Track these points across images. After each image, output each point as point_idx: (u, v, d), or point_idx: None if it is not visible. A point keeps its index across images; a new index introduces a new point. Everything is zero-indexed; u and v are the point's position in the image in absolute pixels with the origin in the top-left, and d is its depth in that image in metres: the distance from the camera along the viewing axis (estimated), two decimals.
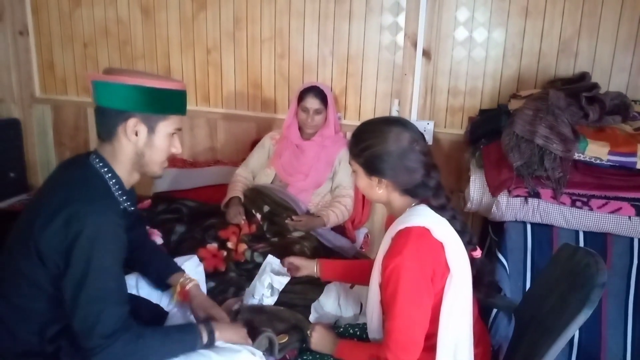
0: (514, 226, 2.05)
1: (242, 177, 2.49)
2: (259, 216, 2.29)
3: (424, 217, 1.34)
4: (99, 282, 1.23)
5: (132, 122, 1.32)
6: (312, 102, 2.39)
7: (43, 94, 3.23)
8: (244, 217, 2.27)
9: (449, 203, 1.39)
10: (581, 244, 2.00)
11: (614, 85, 2.41)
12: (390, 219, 1.48)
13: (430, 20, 2.54)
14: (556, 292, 1.37)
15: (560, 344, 1.22)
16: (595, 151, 1.95)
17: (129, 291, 1.51)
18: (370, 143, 1.36)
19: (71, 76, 3.15)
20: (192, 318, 1.62)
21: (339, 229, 2.41)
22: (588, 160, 1.97)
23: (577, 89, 2.10)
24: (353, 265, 1.81)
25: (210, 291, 1.88)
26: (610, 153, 1.94)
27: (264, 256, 2.02)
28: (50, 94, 3.22)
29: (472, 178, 2.18)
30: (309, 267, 1.76)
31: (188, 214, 2.40)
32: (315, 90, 2.41)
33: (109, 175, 1.36)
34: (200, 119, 2.98)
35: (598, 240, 1.98)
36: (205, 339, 1.39)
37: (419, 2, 2.51)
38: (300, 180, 2.41)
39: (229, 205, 2.34)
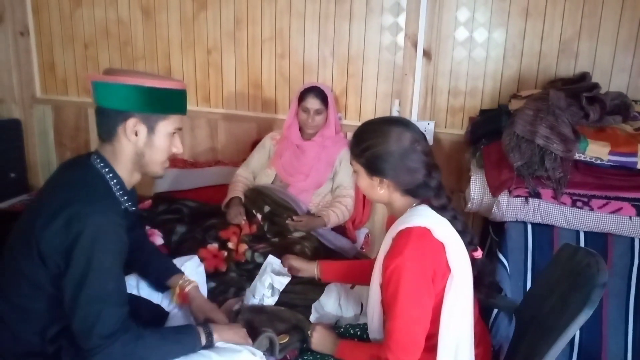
0: (514, 226, 2.05)
1: (243, 178, 2.50)
2: (259, 216, 2.29)
3: (425, 217, 1.34)
4: (99, 283, 1.23)
5: (131, 122, 1.32)
6: (313, 103, 2.39)
7: (44, 94, 3.24)
8: (245, 218, 2.27)
9: (450, 203, 1.39)
10: (582, 244, 1.99)
11: (615, 86, 2.41)
12: (391, 219, 1.48)
13: (430, 21, 2.54)
14: (557, 293, 1.37)
15: (561, 344, 1.22)
16: (596, 151, 1.95)
17: (129, 291, 1.52)
18: (372, 143, 1.36)
19: (72, 77, 3.16)
20: (192, 319, 1.62)
21: (340, 229, 2.41)
22: (589, 160, 1.97)
23: (577, 89, 2.10)
24: (353, 266, 1.81)
25: (210, 291, 1.88)
26: (610, 153, 1.94)
27: (265, 256, 2.01)
28: (50, 95, 3.23)
29: (472, 178, 2.18)
30: (310, 270, 1.77)
31: (189, 214, 2.40)
32: (316, 91, 2.41)
33: (110, 175, 1.36)
34: (201, 120, 2.98)
35: (599, 240, 1.98)
36: (203, 340, 1.39)
37: (419, 3, 2.52)
38: (301, 181, 2.41)
39: (229, 205, 2.34)
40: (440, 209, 1.37)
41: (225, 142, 2.99)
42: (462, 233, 1.37)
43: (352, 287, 1.87)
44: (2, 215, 2.71)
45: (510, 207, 2.01)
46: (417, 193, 1.38)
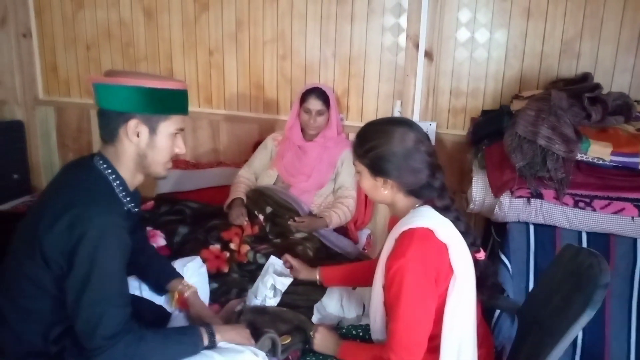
0: (516, 227, 2.04)
1: (245, 179, 2.50)
2: (261, 217, 2.29)
3: (428, 218, 1.34)
4: (102, 284, 1.23)
5: (133, 124, 1.32)
6: (315, 104, 2.39)
7: (46, 96, 3.25)
8: (247, 219, 2.27)
9: (453, 204, 1.39)
10: (584, 244, 1.99)
11: (617, 86, 2.40)
12: (393, 220, 1.47)
13: (432, 22, 2.54)
14: (559, 293, 1.37)
15: (564, 345, 1.22)
16: (598, 152, 1.95)
17: (132, 292, 1.52)
18: (376, 144, 1.36)
19: (74, 78, 3.16)
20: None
21: (342, 230, 2.41)
22: (591, 160, 1.97)
23: (579, 90, 2.10)
24: (355, 269, 1.80)
25: (213, 292, 1.88)
26: (613, 153, 1.93)
27: (267, 257, 2.02)
28: (53, 96, 3.23)
29: (474, 179, 2.17)
30: (311, 275, 1.77)
31: (191, 215, 2.40)
32: (318, 92, 2.41)
33: (113, 177, 1.36)
34: (203, 121, 2.99)
35: (601, 241, 1.97)
36: (206, 341, 1.39)
37: (420, 3, 2.52)
38: (303, 182, 2.41)
39: (231, 206, 2.34)
40: (443, 210, 1.36)
41: (227, 143, 3.00)
42: (465, 234, 1.37)
43: (354, 288, 1.87)
44: (5, 216, 2.71)
45: (512, 208, 2.01)
46: (421, 194, 1.38)
